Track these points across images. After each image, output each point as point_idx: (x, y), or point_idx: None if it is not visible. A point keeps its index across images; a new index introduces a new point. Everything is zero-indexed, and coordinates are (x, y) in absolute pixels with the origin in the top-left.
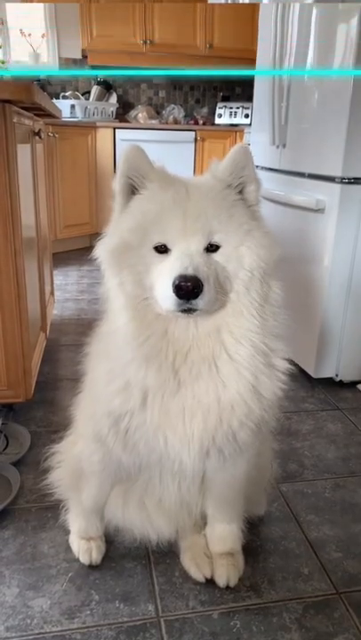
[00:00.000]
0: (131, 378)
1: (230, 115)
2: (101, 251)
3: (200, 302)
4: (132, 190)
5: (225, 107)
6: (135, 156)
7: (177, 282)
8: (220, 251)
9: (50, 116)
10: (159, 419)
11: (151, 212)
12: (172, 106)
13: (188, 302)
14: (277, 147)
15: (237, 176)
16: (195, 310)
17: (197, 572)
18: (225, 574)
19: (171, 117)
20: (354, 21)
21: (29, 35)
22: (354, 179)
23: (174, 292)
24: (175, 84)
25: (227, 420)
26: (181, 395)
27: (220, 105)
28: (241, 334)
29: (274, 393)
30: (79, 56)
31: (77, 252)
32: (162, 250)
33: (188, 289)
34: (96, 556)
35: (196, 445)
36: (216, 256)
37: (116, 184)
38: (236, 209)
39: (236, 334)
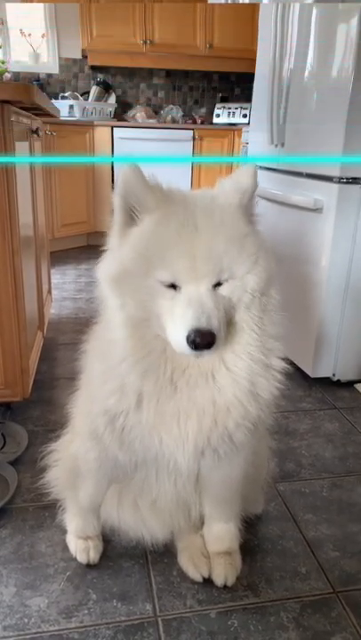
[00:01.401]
0: (127, 383)
1: (228, 115)
2: (102, 275)
3: (213, 350)
4: (131, 215)
5: (223, 107)
6: (132, 177)
7: (192, 336)
8: (226, 284)
9: (48, 115)
10: (154, 420)
11: (155, 246)
12: (171, 106)
13: (200, 352)
14: (276, 146)
15: (249, 197)
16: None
17: (195, 572)
18: (223, 573)
19: (169, 117)
20: (354, 21)
21: (29, 35)
22: (352, 178)
23: (188, 344)
24: (174, 85)
25: (222, 421)
26: (177, 398)
27: (218, 105)
28: (241, 349)
29: (271, 393)
30: (79, 56)
31: (75, 250)
32: (169, 285)
33: (202, 345)
34: (93, 556)
35: (191, 446)
36: (223, 290)
37: (115, 204)
38: (248, 238)
39: (237, 350)
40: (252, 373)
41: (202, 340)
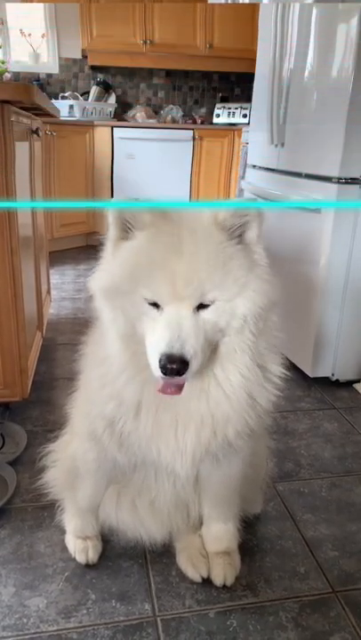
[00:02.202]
0: (125, 395)
1: (228, 115)
2: (94, 287)
3: (186, 376)
4: (125, 230)
5: (223, 107)
6: (128, 197)
7: (163, 361)
8: (212, 307)
9: (48, 115)
10: (152, 430)
11: (142, 265)
12: (171, 106)
13: (172, 378)
14: (276, 146)
15: (239, 221)
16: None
17: (194, 573)
18: (222, 573)
19: (169, 117)
20: (354, 21)
21: (29, 35)
22: (351, 179)
23: (160, 368)
24: (175, 85)
25: (221, 431)
26: (175, 409)
27: (218, 105)
28: (233, 368)
29: (269, 400)
30: (79, 56)
31: (74, 250)
32: (153, 303)
33: (172, 371)
34: (92, 556)
35: (189, 457)
36: (207, 313)
37: (110, 219)
38: (233, 262)
39: (228, 369)
40: (247, 387)
41: (171, 366)
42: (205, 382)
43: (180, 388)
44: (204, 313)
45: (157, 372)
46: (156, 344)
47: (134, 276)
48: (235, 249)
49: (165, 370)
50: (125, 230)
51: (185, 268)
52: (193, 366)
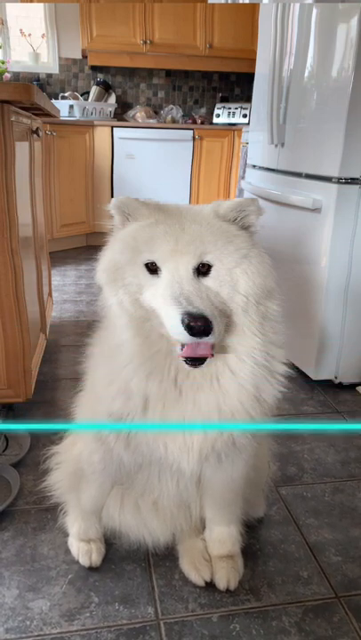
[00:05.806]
0: (132, 387)
1: (228, 115)
2: (97, 271)
3: (212, 337)
4: (126, 218)
5: (223, 107)
6: (128, 197)
7: (186, 320)
8: (212, 273)
9: (48, 115)
10: None
11: (142, 236)
12: (171, 106)
13: (200, 339)
14: (276, 146)
15: (239, 215)
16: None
17: (197, 577)
18: (225, 577)
19: (169, 117)
20: (354, 21)
21: (29, 35)
22: (351, 179)
23: (186, 330)
24: (174, 85)
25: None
26: (182, 404)
27: (218, 105)
28: (244, 352)
29: (274, 396)
30: (79, 56)
31: (74, 251)
32: (152, 268)
33: (199, 329)
34: (96, 558)
35: (196, 454)
36: (208, 280)
37: (112, 210)
38: (237, 237)
39: (240, 352)
40: (256, 378)
41: (197, 323)
42: (219, 368)
43: (209, 347)
44: (205, 280)
45: (181, 335)
46: (162, 300)
47: (134, 247)
48: (237, 230)
49: (191, 329)
50: (126, 219)
51: (187, 231)
52: (215, 327)
